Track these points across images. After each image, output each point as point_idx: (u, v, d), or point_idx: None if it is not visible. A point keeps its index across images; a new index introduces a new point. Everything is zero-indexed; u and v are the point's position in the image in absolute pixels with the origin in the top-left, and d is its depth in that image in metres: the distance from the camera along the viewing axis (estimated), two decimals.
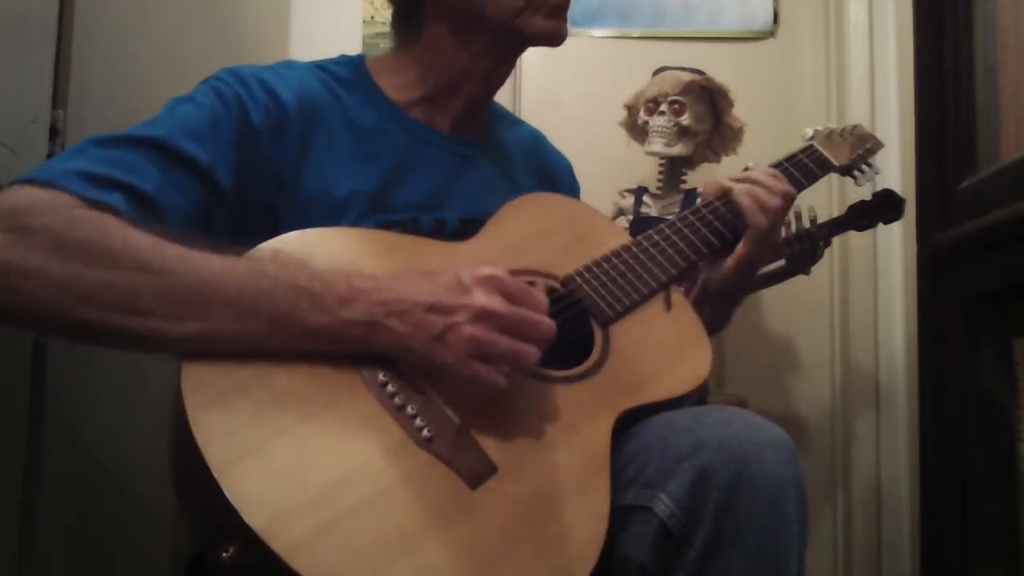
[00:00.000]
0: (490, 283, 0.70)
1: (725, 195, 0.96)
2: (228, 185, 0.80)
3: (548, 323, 0.71)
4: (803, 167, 1.05)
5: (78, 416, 0.95)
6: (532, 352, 0.69)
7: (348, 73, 0.94)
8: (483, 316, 0.68)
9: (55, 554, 0.90)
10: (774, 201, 0.94)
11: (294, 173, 0.85)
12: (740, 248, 0.93)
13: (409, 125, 0.93)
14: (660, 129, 1.75)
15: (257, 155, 0.83)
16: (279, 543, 0.56)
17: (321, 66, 0.93)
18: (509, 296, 0.70)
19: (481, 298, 0.69)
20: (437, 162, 0.93)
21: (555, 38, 0.92)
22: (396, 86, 0.94)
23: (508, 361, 0.69)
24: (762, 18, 2.04)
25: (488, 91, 0.98)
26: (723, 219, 0.95)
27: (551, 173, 1.09)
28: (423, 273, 0.72)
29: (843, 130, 1.16)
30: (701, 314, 0.93)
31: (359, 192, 0.86)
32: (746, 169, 1.01)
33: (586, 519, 0.66)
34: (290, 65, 0.91)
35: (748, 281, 0.97)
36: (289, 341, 0.67)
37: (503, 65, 0.96)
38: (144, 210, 0.72)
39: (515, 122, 1.10)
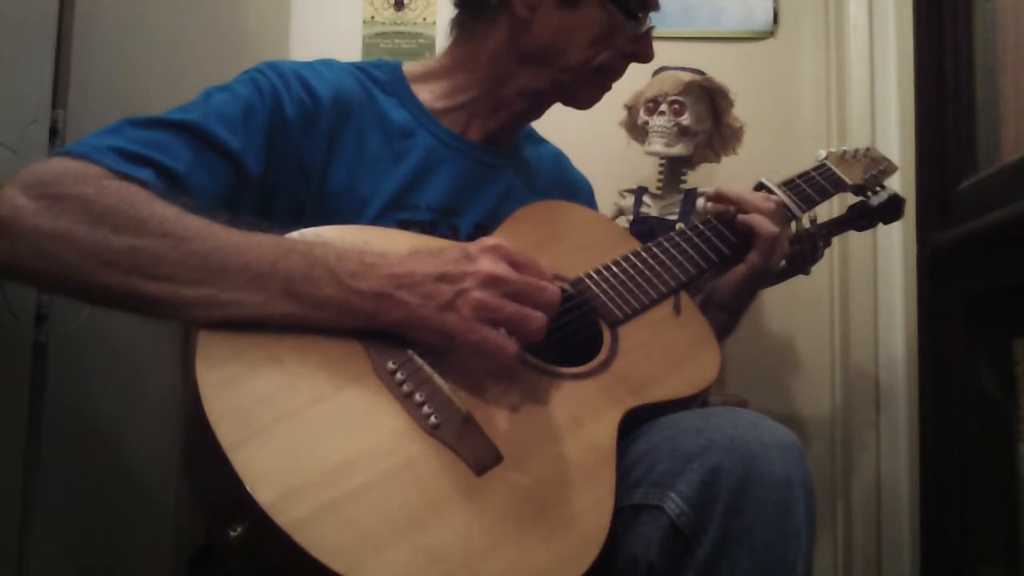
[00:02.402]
0: (496, 252, 0.71)
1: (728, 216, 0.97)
2: (257, 173, 0.82)
3: (553, 290, 0.72)
4: (816, 184, 1.06)
5: (78, 416, 0.95)
6: (539, 317, 0.70)
7: (384, 75, 0.96)
8: (490, 282, 0.69)
9: (55, 554, 0.90)
10: (771, 206, 0.96)
11: (322, 167, 0.87)
12: (752, 257, 0.94)
13: (438, 130, 0.95)
14: (660, 129, 1.75)
15: (287, 146, 0.85)
16: (284, 518, 0.57)
17: (359, 66, 0.96)
18: (515, 265, 0.71)
19: (488, 265, 0.70)
20: (462, 168, 0.95)
21: (587, 106, 0.99)
22: (435, 92, 0.97)
23: (516, 324, 0.69)
24: (762, 18, 2.04)
25: (522, 121, 1.02)
26: (733, 228, 0.96)
27: (572, 192, 1.11)
28: (431, 250, 0.73)
29: (856, 151, 1.18)
30: None
31: (382, 190, 0.88)
32: (759, 184, 1.02)
33: (591, 507, 0.66)
34: (329, 63, 0.94)
35: (755, 291, 0.97)
36: (302, 309, 0.68)
37: (540, 106, 1.00)
38: (173, 189, 0.74)
39: (539, 141, 1.13)
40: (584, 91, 0.97)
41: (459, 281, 0.69)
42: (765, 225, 0.93)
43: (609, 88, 0.98)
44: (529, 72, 0.94)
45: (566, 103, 0.99)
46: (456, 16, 0.98)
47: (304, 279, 0.68)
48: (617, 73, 0.97)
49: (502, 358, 0.69)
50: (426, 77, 0.98)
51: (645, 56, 0.96)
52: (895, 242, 1.82)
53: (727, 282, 0.96)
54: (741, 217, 0.95)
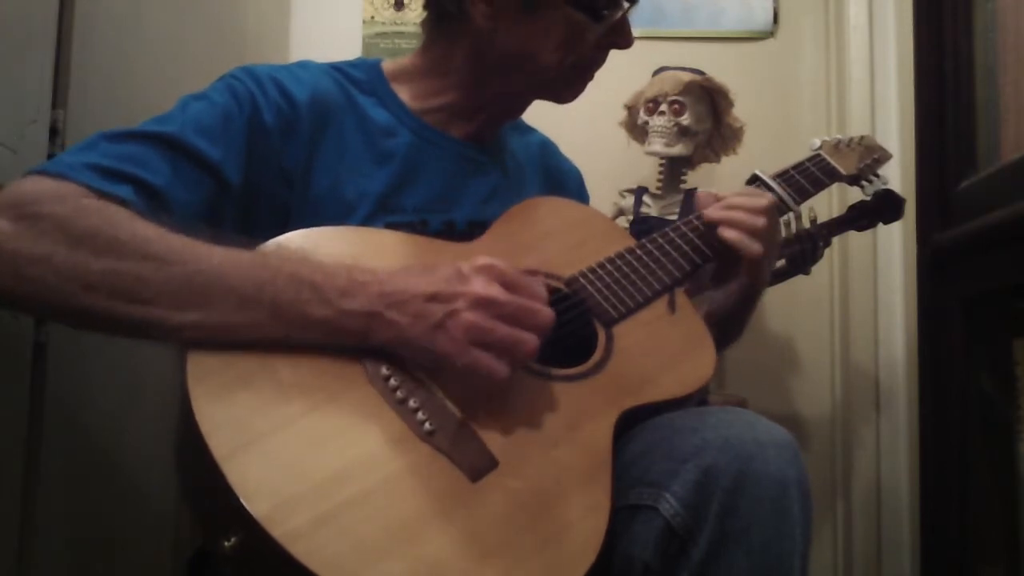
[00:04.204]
0: (489, 272, 0.70)
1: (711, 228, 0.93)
2: (237, 182, 0.81)
3: (547, 312, 0.71)
4: (810, 175, 1.05)
5: (78, 415, 0.95)
6: (531, 339, 0.69)
7: (363, 75, 0.94)
8: (482, 303, 0.68)
9: (55, 553, 0.90)
10: (759, 221, 0.91)
11: (304, 172, 0.85)
12: (742, 277, 0.93)
13: (420, 128, 0.93)
14: (660, 129, 1.75)
15: (267, 153, 0.83)
16: (280, 531, 0.56)
17: (336, 67, 0.94)
18: (508, 285, 0.70)
19: (480, 286, 0.69)
20: (447, 165, 0.93)
21: (569, 102, 0.96)
22: (413, 92, 0.95)
23: (507, 348, 0.68)
24: (762, 18, 2.04)
25: (503, 120, 1.00)
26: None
27: (560, 180, 1.09)
28: (423, 267, 0.72)
29: (850, 140, 1.16)
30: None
31: (368, 193, 0.87)
32: (753, 176, 1.01)
33: (587, 513, 0.66)
34: (305, 65, 0.92)
35: (754, 303, 0.96)
36: (290, 332, 0.67)
37: (520, 106, 0.99)
38: (153, 204, 0.73)
39: (526, 130, 1.11)
40: (564, 88, 0.95)
41: (451, 301, 0.68)
42: (749, 247, 0.89)
43: (591, 78, 0.96)
44: (502, 77, 0.92)
45: (548, 99, 0.97)
46: (425, 19, 0.97)
47: (292, 302, 0.67)
48: (597, 64, 0.94)
49: (492, 380, 0.68)
50: (404, 76, 0.96)
51: (622, 44, 0.93)
52: (895, 242, 1.82)
53: (726, 298, 0.95)
54: (723, 232, 0.90)
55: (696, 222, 0.95)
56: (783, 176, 1.02)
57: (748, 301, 0.95)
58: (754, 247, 0.89)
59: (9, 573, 0.83)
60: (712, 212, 0.93)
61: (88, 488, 0.97)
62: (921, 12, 1.45)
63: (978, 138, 1.29)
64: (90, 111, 0.94)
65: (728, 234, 0.90)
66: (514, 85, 0.94)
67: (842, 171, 1.09)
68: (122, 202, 0.70)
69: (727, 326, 0.97)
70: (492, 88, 0.94)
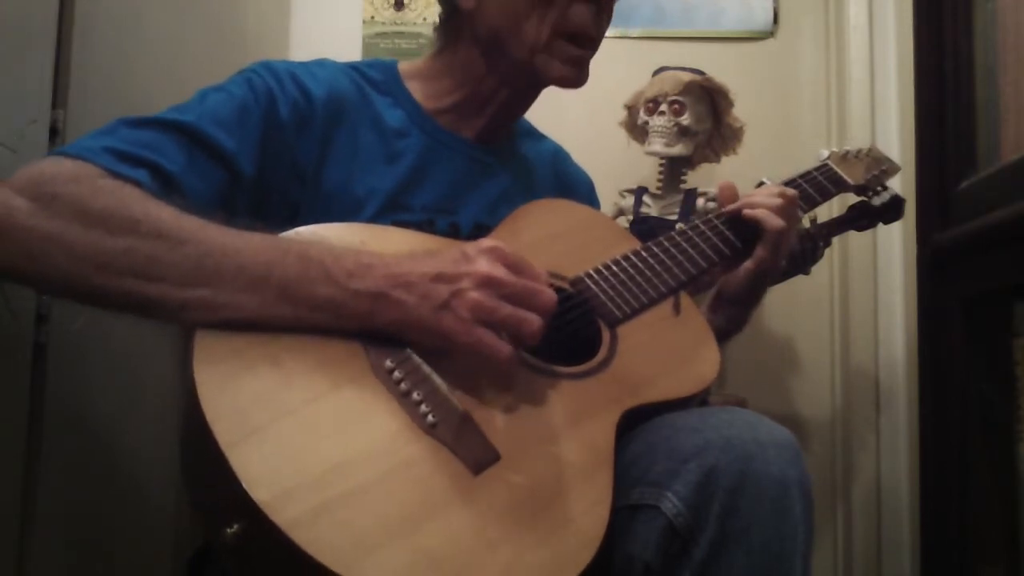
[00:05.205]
0: (493, 253, 0.71)
1: (735, 214, 0.96)
2: (251, 174, 0.82)
3: (550, 294, 0.72)
4: (817, 184, 1.06)
5: (78, 415, 0.95)
6: (535, 320, 0.70)
7: (379, 75, 0.96)
8: (487, 283, 0.69)
9: (55, 554, 0.90)
10: (779, 200, 0.94)
11: (316, 168, 0.86)
12: (759, 252, 0.93)
13: (433, 129, 0.95)
14: (660, 129, 1.75)
15: (281, 148, 0.84)
16: (281, 517, 0.57)
17: (354, 66, 0.96)
18: (511, 267, 0.71)
19: (485, 266, 0.70)
20: (457, 167, 0.95)
21: (571, 83, 0.94)
22: (426, 92, 0.97)
23: (512, 327, 0.69)
24: (762, 18, 2.04)
25: (511, 113, 1.01)
26: (735, 227, 0.95)
27: (571, 187, 1.10)
28: (428, 251, 0.73)
29: (859, 151, 1.18)
30: (715, 319, 0.94)
31: (377, 190, 0.88)
32: (760, 184, 1.02)
33: (588, 508, 0.66)
34: (323, 63, 0.93)
35: (764, 286, 0.97)
36: (297, 311, 0.68)
37: (524, 94, 0.99)
38: (167, 190, 0.74)
39: (539, 137, 1.12)
40: (557, 64, 0.91)
41: (456, 281, 0.69)
42: (771, 220, 0.92)
43: (584, 53, 0.92)
44: (498, 62, 0.93)
45: (553, 83, 0.94)
46: (437, 23, 0.99)
47: (300, 281, 0.68)
48: (580, 28, 0.90)
49: (497, 360, 0.69)
50: (419, 77, 0.98)
51: None
52: (895, 242, 1.82)
53: (737, 277, 0.95)
54: (746, 212, 0.93)
55: (702, 225, 0.95)
56: (790, 184, 1.03)
57: (760, 281, 0.95)
58: (776, 221, 0.92)
59: (9, 573, 0.83)
60: (731, 206, 0.96)
61: (88, 488, 0.97)
62: (921, 12, 1.45)
63: (978, 138, 1.29)
64: (90, 111, 0.94)
65: (752, 212, 0.93)
66: (509, 67, 0.93)
67: (849, 181, 1.10)
68: (137, 184, 0.72)
69: (734, 310, 0.97)
70: (493, 77, 0.94)
